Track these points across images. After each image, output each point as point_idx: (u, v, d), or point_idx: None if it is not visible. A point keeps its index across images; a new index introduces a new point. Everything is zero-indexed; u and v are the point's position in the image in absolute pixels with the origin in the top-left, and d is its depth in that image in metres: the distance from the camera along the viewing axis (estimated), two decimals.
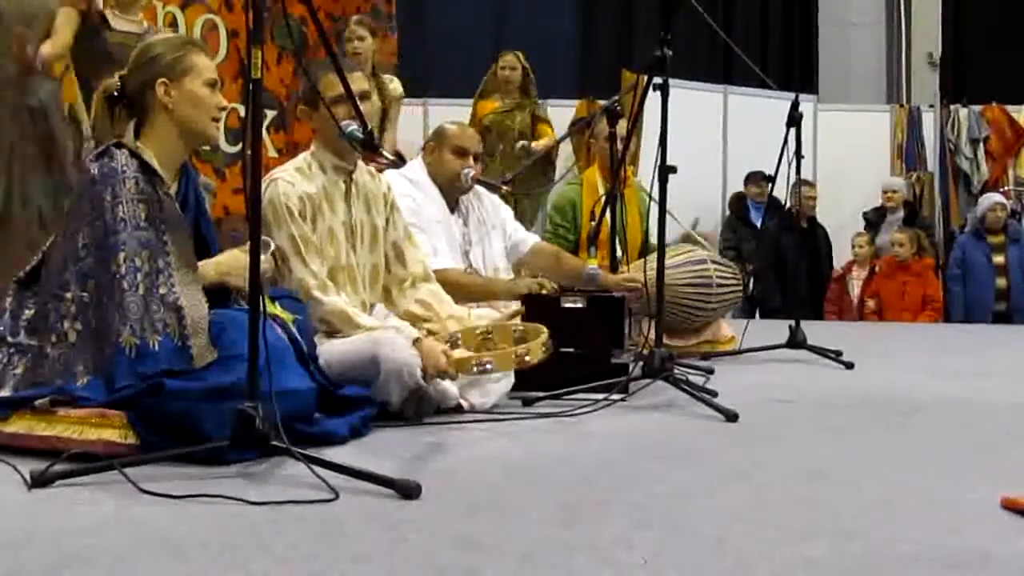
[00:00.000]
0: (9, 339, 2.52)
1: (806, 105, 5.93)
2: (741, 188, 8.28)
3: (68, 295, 2.46)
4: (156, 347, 2.39)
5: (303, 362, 2.59)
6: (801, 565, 1.66)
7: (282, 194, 3.01)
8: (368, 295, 3.23)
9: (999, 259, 7.91)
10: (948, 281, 7.97)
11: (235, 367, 2.30)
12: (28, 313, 2.53)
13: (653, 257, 3.64)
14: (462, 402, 3.08)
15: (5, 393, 2.43)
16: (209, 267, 2.61)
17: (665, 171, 3.35)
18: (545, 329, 2.87)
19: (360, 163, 3.24)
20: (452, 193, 3.88)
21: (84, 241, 2.48)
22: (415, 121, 8.17)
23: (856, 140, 8.93)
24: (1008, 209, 8.08)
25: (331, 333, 2.97)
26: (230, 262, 2.63)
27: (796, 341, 4.64)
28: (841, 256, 8.30)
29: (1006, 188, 8.88)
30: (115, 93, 2.64)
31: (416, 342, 2.89)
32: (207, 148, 2.70)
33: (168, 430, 2.30)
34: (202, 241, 2.67)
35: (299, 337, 2.63)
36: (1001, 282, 7.89)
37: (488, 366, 2.75)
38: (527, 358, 2.73)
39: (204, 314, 2.46)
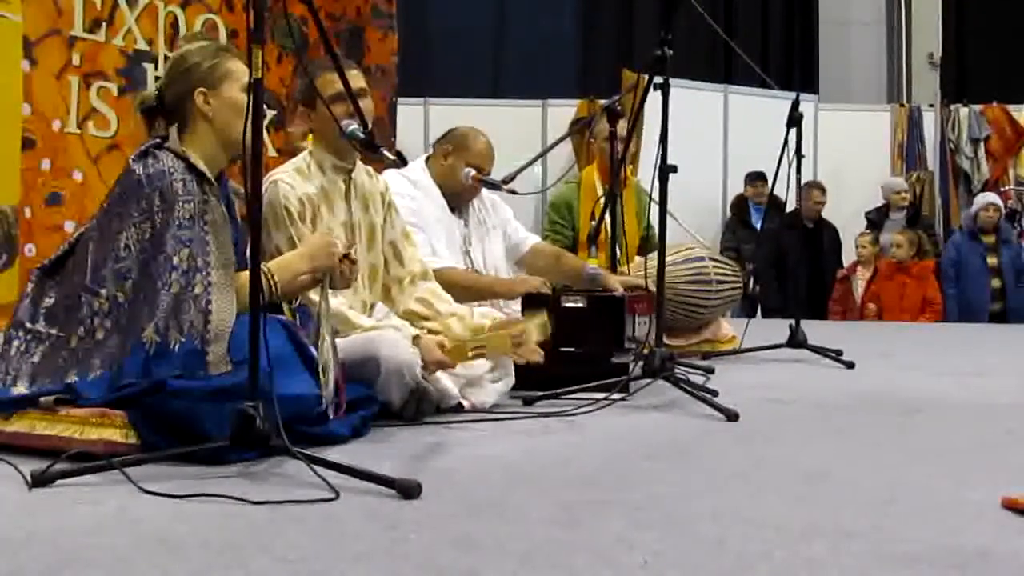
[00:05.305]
0: (27, 325, 2.51)
1: (806, 105, 5.93)
2: (742, 188, 8.29)
3: (103, 291, 2.45)
4: (176, 348, 2.38)
5: (309, 367, 2.58)
6: (801, 565, 1.66)
7: (282, 196, 2.99)
8: (368, 295, 3.22)
9: (993, 260, 7.91)
10: (943, 282, 7.97)
11: (237, 367, 2.30)
12: (48, 301, 2.52)
13: (652, 256, 3.64)
14: (462, 401, 3.08)
15: (21, 388, 2.42)
16: (301, 261, 2.64)
17: (665, 171, 3.35)
18: (544, 313, 2.84)
19: (359, 162, 3.23)
20: (459, 199, 3.86)
21: (126, 242, 2.46)
22: (415, 121, 8.19)
23: (856, 140, 8.95)
24: (1001, 209, 8.08)
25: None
26: (311, 244, 2.67)
27: (796, 341, 4.64)
28: (842, 256, 8.30)
29: (1006, 188, 8.88)
30: (153, 103, 2.64)
31: (415, 340, 2.89)
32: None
33: (169, 430, 2.30)
34: (233, 246, 2.67)
35: (306, 342, 2.62)
36: (996, 282, 7.89)
37: (483, 349, 2.74)
38: (524, 339, 2.71)
39: (229, 320, 2.45)
